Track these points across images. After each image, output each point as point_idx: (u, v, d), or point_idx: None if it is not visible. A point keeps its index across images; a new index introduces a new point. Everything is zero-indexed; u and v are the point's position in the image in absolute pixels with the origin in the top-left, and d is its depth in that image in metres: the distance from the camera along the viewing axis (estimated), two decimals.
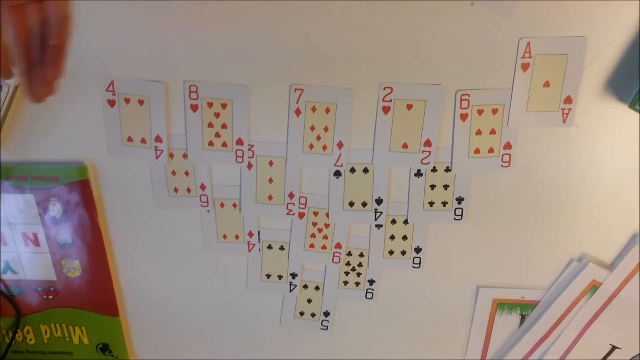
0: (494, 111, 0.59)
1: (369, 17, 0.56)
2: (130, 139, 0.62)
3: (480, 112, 0.59)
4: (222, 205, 0.65)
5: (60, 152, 0.64)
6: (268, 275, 0.69)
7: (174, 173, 0.64)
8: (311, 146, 0.61)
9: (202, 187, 0.64)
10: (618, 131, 0.59)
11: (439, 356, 0.73)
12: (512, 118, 0.59)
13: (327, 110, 0.60)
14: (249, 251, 0.68)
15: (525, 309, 0.70)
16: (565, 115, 0.59)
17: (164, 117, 0.61)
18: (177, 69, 0.59)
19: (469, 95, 0.58)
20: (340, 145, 0.61)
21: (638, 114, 0.56)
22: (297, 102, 0.59)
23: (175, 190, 0.65)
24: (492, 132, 0.60)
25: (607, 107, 0.58)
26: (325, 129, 0.61)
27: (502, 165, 0.62)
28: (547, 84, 0.58)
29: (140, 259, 0.69)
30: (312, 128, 0.61)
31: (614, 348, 0.72)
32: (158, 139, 0.62)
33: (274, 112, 0.60)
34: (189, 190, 0.64)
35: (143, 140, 0.62)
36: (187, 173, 0.64)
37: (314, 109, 0.60)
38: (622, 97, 0.58)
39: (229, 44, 0.58)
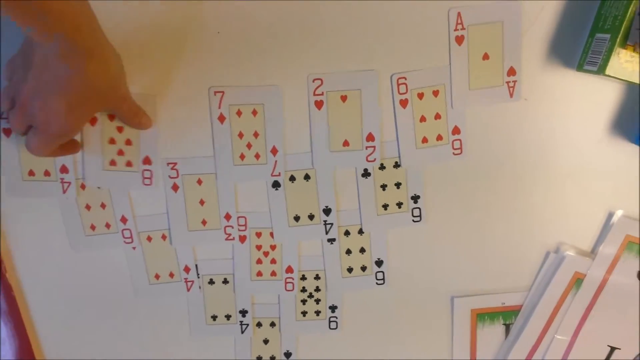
0: (435, 93, 0.54)
1: (287, 4, 0.51)
2: (31, 173, 0.55)
3: (420, 95, 0.54)
4: (149, 238, 0.57)
5: None
6: (214, 317, 0.60)
7: (88, 207, 0.56)
8: (242, 156, 0.55)
9: (123, 220, 0.56)
10: (571, 98, 0.55)
11: None
12: (455, 99, 0.54)
13: (255, 113, 0.54)
14: (188, 290, 0.59)
15: (508, 317, 0.62)
16: (511, 89, 0.54)
17: None
18: None
19: (405, 79, 0.54)
20: (274, 151, 0.55)
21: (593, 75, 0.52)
22: (219, 107, 0.53)
23: (92, 227, 0.56)
24: (437, 116, 0.55)
25: (554, 75, 0.54)
26: (255, 135, 0.54)
27: (454, 153, 0.56)
28: (486, 57, 0.53)
29: (61, 314, 0.59)
30: (241, 135, 0.54)
31: (613, 349, 0.64)
32: (64, 169, 0.54)
33: (195, 121, 0.54)
34: (108, 225, 0.56)
35: (47, 173, 0.55)
36: (103, 205, 0.56)
37: (239, 113, 0.53)
38: (568, 61, 0.54)
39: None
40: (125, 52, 0.48)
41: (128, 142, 0.53)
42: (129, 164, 0.54)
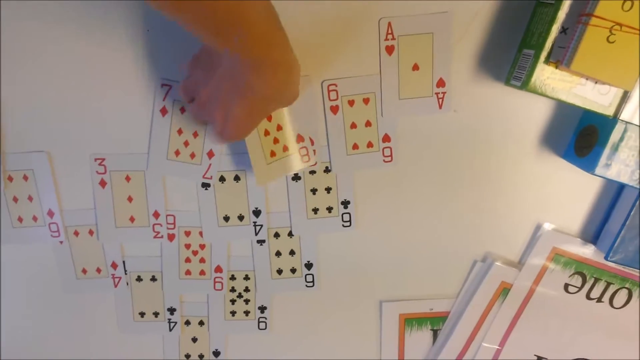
0: (366, 101, 0.55)
1: None
2: None
3: (351, 103, 0.55)
4: (76, 233, 0.57)
5: None
6: (142, 314, 0.60)
7: (15, 199, 0.55)
8: (177, 152, 0.55)
9: (50, 213, 0.56)
10: (501, 111, 0.56)
11: None
12: (385, 107, 0.55)
13: None
14: (116, 286, 0.59)
15: (435, 323, 0.63)
16: (440, 100, 0.55)
17: None
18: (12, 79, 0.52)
19: (336, 86, 0.54)
20: (210, 154, 0.55)
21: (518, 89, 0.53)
22: (164, 100, 0.53)
23: (20, 219, 0.56)
24: (368, 124, 0.55)
25: (483, 87, 0.55)
26: (195, 135, 0.54)
27: (384, 161, 0.57)
28: (416, 67, 0.54)
29: None
30: (180, 132, 0.54)
31: (540, 359, 0.66)
32: None
33: (134, 116, 0.54)
34: (35, 218, 0.56)
35: None
36: (30, 198, 0.55)
37: (182, 110, 0.53)
38: (498, 75, 0.54)
39: None
40: None
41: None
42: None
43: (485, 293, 0.62)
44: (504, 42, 0.54)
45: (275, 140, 0.54)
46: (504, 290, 0.62)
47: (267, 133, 0.53)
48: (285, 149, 0.53)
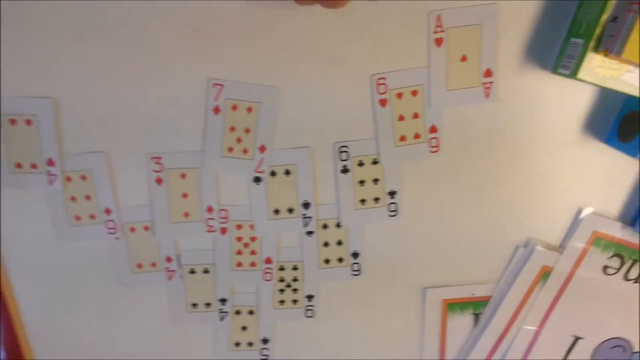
0: (414, 93, 0.55)
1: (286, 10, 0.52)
2: (19, 165, 0.55)
3: (399, 95, 0.55)
4: (132, 229, 0.58)
5: None
6: (194, 305, 0.62)
7: (73, 199, 0.57)
8: (230, 149, 0.56)
9: (107, 211, 0.57)
10: (546, 100, 0.57)
11: None
12: (433, 99, 0.56)
13: (250, 110, 0.55)
14: (170, 279, 0.61)
15: (477, 307, 0.65)
16: (487, 90, 0.56)
17: (56, 137, 0.54)
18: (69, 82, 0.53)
19: (385, 79, 0.55)
20: (262, 149, 0.56)
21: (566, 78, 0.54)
22: (217, 99, 0.54)
23: (77, 218, 0.57)
24: (415, 116, 0.56)
25: (530, 77, 0.56)
26: (247, 131, 0.55)
27: (430, 151, 0.58)
28: (464, 58, 0.55)
29: (46, 301, 0.61)
30: (232, 129, 0.55)
31: (577, 339, 0.68)
32: (50, 162, 0.55)
33: (187, 114, 0.55)
34: (92, 216, 0.57)
35: (34, 166, 0.55)
36: (88, 197, 0.57)
37: (234, 107, 0.54)
38: (544, 63, 0.55)
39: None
40: None
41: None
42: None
43: (526, 277, 0.64)
44: (550, 31, 0.54)
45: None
46: (545, 273, 0.63)
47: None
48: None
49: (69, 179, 0.56)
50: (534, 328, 0.66)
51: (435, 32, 0.53)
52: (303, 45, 0.53)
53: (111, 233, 0.58)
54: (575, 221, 0.62)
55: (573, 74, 0.51)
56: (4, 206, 0.57)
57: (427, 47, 0.54)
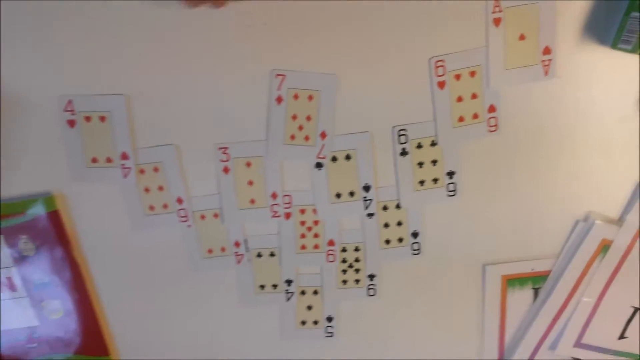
0: (472, 74, 0.56)
1: None
2: (95, 160, 0.59)
3: (457, 77, 0.56)
4: (202, 217, 0.61)
5: (25, 185, 0.60)
6: (262, 287, 0.65)
7: (147, 190, 0.60)
8: (292, 137, 0.58)
9: (179, 200, 0.60)
10: (604, 76, 0.57)
11: (455, 345, 0.68)
12: (492, 78, 0.56)
13: (310, 98, 0.56)
14: (238, 263, 0.64)
15: (537, 282, 0.66)
16: (546, 68, 0.56)
17: (128, 132, 0.57)
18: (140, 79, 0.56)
19: (443, 61, 0.55)
20: (323, 135, 0.58)
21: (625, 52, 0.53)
22: (279, 89, 0.56)
23: (151, 208, 0.60)
24: (474, 96, 0.57)
25: (588, 53, 0.56)
26: (308, 118, 0.57)
27: (489, 130, 0.58)
28: (522, 37, 0.55)
29: (123, 288, 0.65)
30: (294, 117, 0.57)
31: (636, 310, 0.68)
32: (124, 156, 0.58)
33: (251, 105, 0.57)
34: (165, 206, 0.60)
35: (109, 160, 0.58)
36: (160, 188, 0.60)
37: (296, 96, 0.56)
38: (602, 39, 0.55)
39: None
40: None
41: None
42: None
43: (586, 251, 0.64)
44: (608, 7, 0.54)
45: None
46: (605, 247, 0.64)
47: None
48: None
49: (142, 172, 0.59)
50: (593, 300, 0.67)
51: (494, 12, 0.54)
52: (360, 32, 0.54)
53: (183, 221, 0.61)
54: (634, 194, 0.62)
55: (635, 49, 0.51)
56: (81, 200, 0.60)
57: (485, 27, 0.54)
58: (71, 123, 0.57)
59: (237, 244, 0.63)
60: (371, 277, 0.65)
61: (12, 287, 0.64)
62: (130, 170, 0.58)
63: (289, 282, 0.65)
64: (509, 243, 0.64)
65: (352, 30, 0.55)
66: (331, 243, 0.63)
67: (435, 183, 0.61)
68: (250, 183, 0.60)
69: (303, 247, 0.63)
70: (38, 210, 0.60)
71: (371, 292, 0.66)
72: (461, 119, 0.58)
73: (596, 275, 0.65)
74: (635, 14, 0.52)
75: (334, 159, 0.59)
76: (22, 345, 0.67)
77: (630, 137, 0.59)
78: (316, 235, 0.63)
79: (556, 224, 0.63)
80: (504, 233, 0.63)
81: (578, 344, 0.68)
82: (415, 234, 0.63)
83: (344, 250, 0.64)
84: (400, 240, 0.63)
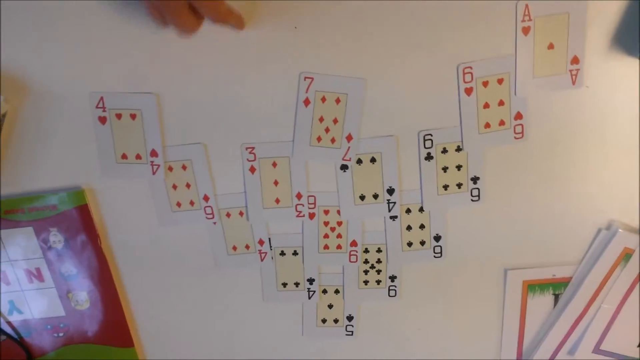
0: (500, 81, 0.56)
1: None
2: (124, 156, 0.60)
3: (485, 84, 0.56)
4: (228, 215, 0.62)
5: (55, 179, 0.61)
6: (284, 284, 0.66)
7: (174, 187, 0.61)
8: (319, 139, 0.58)
9: (206, 198, 0.61)
10: (631, 86, 0.57)
11: (474, 347, 0.69)
12: (519, 86, 0.57)
13: (338, 101, 0.57)
14: (262, 260, 0.65)
15: (558, 288, 0.66)
16: (574, 77, 0.56)
17: (158, 130, 0.59)
18: (171, 79, 0.57)
19: (471, 68, 0.56)
20: (349, 138, 0.59)
21: None
22: (307, 92, 0.57)
23: (178, 204, 0.62)
24: (501, 103, 0.57)
25: (616, 63, 0.56)
26: (335, 121, 0.58)
27: (515, 137, 0.59)
28: (551, 46, 0.55)
29: (149, 282, 0.66)
30: (321, 119, 0.58)
31: None
32: (154, 153, 0.59)
33: (279, 106, 0.58)
34: (192, 203, 0.62)
35: (138, 156, 0.60)
36: (188, 185, 0.61)
37: (323, 99, 0.57)
38: (630, 49, 0.55)
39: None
40: None
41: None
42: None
43: (608, 258, 0.64)
44: (637, 18, 0.54)
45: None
46: (626, 255, 0.64)
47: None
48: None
49: (170, 169, 0.60)
50: (613, 307, 0.67)
51: (523, 21, 0.54)
52: (389, 37, 0.55)
53: (209, 218, 0.62)
54: None
55: None
56: (110, 195, 0.62)
57: (514, 35, 0.55)
58: (102, 120, 0.58)
59: (261, 242, 0.64)
60: (392, 278, 0.66)
61: (40, 278, 0.66)
62: (159, 167, 0.60)
63: (311, 280, 0.66)
64: (531, 249, 0.64)
65: (381, 35, 0.55)
66: (354, 244, 0.64)
67: (459, 188, 0.61)
68: (276, 183, 0.61)
69: (326, 246, 0.64)
70: (68, 204, 0.62)
71: (392, 293, 0.67)
72: (487, 126, 0.58)
73: (617, 283, 0.65)
74: None
75: (359, 161, 0.60)
76: (48, 335, 0.69)
77: None
78: (339, 236, 0.64)
79: (578, 231, 0.64)
80: (526, 239, 0.64)
81: (597, 349, 0.68)
82: (437, 237, 0.64)
83: (366, 251, 0.65)
84: (422, 243, 0.64)
